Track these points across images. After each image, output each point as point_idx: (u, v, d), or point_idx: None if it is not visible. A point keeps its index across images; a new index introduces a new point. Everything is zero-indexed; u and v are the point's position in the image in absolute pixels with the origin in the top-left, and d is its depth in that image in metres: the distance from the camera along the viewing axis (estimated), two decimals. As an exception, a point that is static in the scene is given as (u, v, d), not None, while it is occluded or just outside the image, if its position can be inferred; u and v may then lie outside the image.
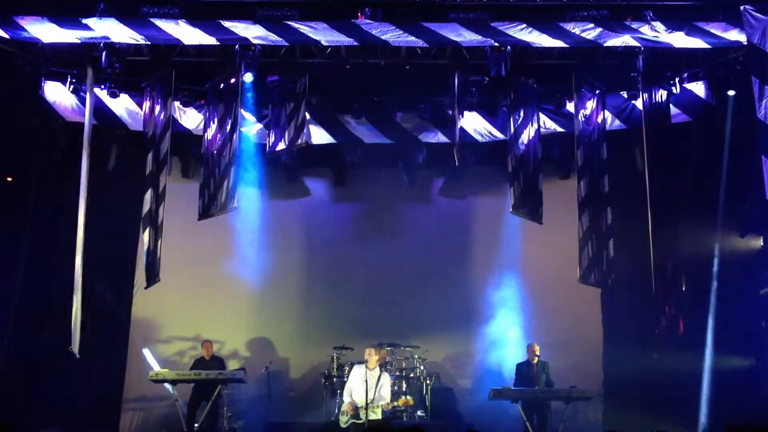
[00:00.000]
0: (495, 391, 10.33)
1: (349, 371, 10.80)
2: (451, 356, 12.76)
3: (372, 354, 10.19)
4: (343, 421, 9.99)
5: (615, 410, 11.76)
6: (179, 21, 10.36)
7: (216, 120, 11.35)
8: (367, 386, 9.80)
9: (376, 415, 9.84)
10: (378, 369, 10.08)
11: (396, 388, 11.01)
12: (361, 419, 9.80)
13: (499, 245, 12.91)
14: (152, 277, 10.88)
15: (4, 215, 10.79)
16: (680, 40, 10.30)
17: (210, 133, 11.41)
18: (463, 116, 11.68)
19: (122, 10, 10.43)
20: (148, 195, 11.06)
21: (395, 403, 10.34)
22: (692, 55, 10.89)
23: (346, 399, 10.12)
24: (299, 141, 11.20)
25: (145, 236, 10.90)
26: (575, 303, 12.14)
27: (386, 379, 10.11)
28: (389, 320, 12.39)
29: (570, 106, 11.81)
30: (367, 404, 9.66)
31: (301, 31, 10.39)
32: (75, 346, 9.95)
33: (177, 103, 11.87)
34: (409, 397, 10.46)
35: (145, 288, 11.14)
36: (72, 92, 11.35)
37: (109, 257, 11.55)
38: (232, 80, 11.14)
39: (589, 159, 11.34)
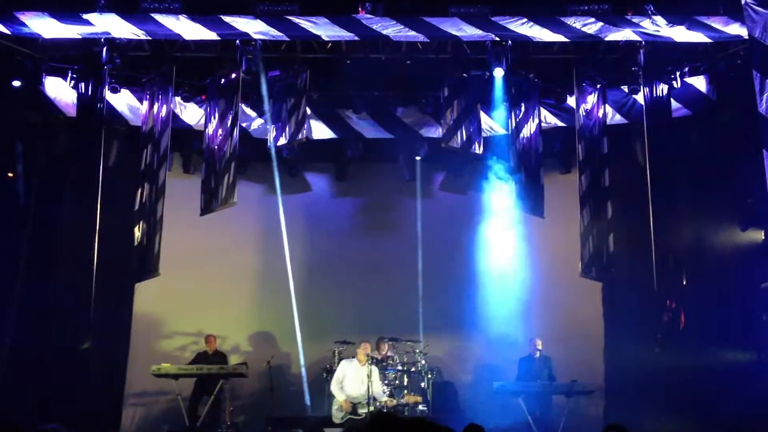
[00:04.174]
0: (497, 385, 10.34)
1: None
2: (452, 351, 12.76)
3: (367, 348, 10.27)
4: (338, 417, 10.01)
5: (616, 404, 11.78)
6: (180, 16, 10.38)
7: (217, 115, 11.35)
8: (362, 382, 9.90)
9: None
10: (367, 364, 10.12)
11: (398, 382, 11.04)
12: (360, 415, 9.84)
13: (500, 240, 12.92)
14: (147, 271, 10.89)
15: (4, 211, 10.78)
16: (681, 34, 10.33)
17: (211, 128, 11.41)
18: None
19: (123, 5, 10.46)
20: (144, 189, 11.09)
21: (400, 400, 10.38)
22: (693, 49, 10.92)
23: (339, 395, 10.13)
24: (300, 136, 11.22)
25: (137, 230, 10.93)
26: (576, 297, 12.15)
27: (376, 374, 10.16)
28: (390, 314, 12.36)
29: (571, 101, 11.83)
30: (368, 400, 9.72)
31: (302, 26, 10.40)
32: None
33: (177, 99, 11.86)
34: (417, 396, 10.54)
35: (137, 282, 11.20)
36: (73, 87, 11.32)
37: (110, 252, 11.53)
38: (233, 75, 11.16)
39: (590, 153, 11.39)
